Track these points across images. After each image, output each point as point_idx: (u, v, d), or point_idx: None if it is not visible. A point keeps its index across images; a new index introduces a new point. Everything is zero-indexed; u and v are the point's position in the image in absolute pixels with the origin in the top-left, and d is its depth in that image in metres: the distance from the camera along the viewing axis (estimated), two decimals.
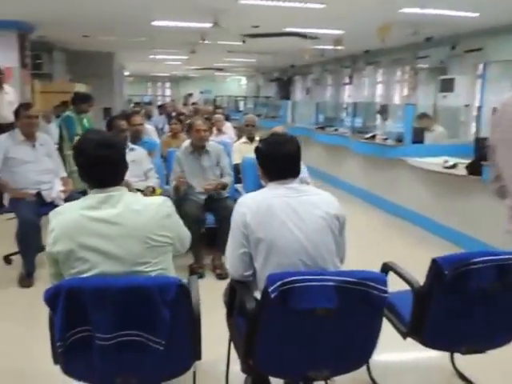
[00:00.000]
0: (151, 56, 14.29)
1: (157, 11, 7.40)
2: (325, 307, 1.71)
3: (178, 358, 1.84)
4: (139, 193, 2.00)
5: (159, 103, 15.61)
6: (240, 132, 6.64)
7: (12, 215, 3.76)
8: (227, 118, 8.39)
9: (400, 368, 2.77)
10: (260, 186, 2.15)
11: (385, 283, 1.77)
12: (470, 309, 1.99)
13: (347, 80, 14.20)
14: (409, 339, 2.14)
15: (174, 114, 8.57)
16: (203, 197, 4.08)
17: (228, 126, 7.31)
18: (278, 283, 1.69)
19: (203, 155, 4.18)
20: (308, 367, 1.86)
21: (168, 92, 27.29)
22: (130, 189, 2.05)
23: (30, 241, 3.38)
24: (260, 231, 1.94)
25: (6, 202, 4.85)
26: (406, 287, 2.12)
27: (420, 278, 2.05)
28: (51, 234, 1.78)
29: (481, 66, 8.77)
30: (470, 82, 8.86)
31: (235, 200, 2.21)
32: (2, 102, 6.05)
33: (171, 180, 4.14)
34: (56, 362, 1.77)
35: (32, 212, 3.51)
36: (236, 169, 4.66)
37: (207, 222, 4.01)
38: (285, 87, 18.71)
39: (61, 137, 5.56)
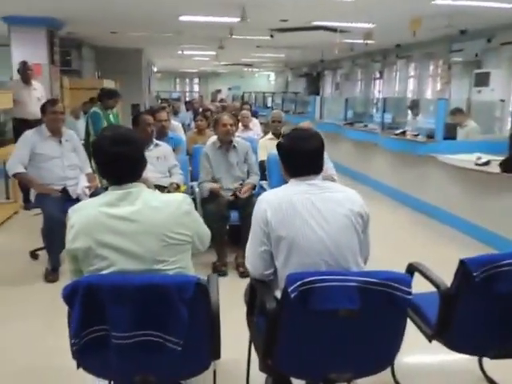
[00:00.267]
0: (179, 52, 14.37)
1: (184, 6, 7.41)
2: (346, 308, 1.66)
3: (197, 357, 1.82)
4: (157, 190, 1.97)
5: (187, 99, 15.72)
6: (266, 128, 6.59)
7: (38, 211, 3.81)
8: (254, 114, 8.36)
9: (425, 371, 2.69)
10: (285, 183, 2.11)
11: (409, 284, 1.72)
12: (499, 312, 1.91)
13: (378, 75, 13.99)
14: (434, 341, 2.08)
15: (201, 110, 8.58)
16: (229, 193, 4.04)
17: (255, 123, 7.29)
18: (298, 283, 1.66)
19: (231, 151, 4.14)
20: (329, 369, 1.82)
21: (196, 88, 27.46)
22: (148, 185, 2.03)
23: (55, 236, 3.42)
24: (281, 229, 1.90)
25: (32, 197, 4.96)
26: (433, 288, 2.05)
27: (448, 279, 1.98)
28: (71, 231, 1.77)
29: None
30: (506, 76, 8.59)
31: None
32: (30, 98, 6.17)
33: (201, 178, 4.09)
34: (74, 357, 1.77)
35: (57, 208, 3.54)
36: (261, 165, 4.62)
37: (231, 219, 3.97)
38: (314, 82, 18.57)
39: (87, 132, 5.63)
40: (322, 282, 1.66)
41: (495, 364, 2.24)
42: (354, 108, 9.29)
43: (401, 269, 2.05)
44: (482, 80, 8.49)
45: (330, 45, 10.45)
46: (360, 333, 1.76)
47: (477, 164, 4.69)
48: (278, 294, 1.87)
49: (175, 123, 6.49)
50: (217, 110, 8.78)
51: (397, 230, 5.39)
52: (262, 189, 4.47)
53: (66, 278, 1.86)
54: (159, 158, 4.08)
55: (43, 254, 3.89)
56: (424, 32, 8.15)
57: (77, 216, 1.78)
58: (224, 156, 4.12)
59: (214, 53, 13.79)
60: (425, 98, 10.77)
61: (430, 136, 5.76)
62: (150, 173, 3.80)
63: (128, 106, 11.27)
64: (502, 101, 8.27)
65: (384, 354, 1.88)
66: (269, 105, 15.76)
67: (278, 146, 2.13)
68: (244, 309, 2.21)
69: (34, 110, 5.57)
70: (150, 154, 3.99)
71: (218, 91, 22.34)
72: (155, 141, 4.16)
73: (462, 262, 1.89)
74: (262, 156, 4.80)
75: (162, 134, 4.62)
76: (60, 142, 3.95)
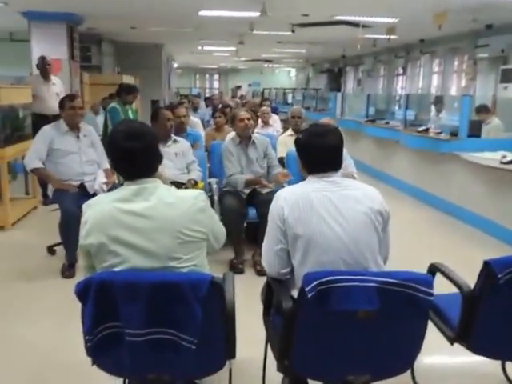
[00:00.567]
0: (199, 47, 14.39)
1: (203, 1, 7.37)
2: (365, 309, 1.62)
3: (211, 356, 1.79)
4: (173, 186, 1.94)
5: (206, 95, 15.73)
6: (286, 124, 6.54)
7: (56, 206, 3.81)
8: (274, 111, 8.30)
9: (445, 373, 2.63)
10: (304, 180, 2.06)
11: (431, 285, 1.67)
12: None
13: (401, 71, 13.80)
14: (455, 344, 2.02)
15: (220, 106, 8.56)
16: (247, 190, 4.00)
17: (275, 119, 7.25)
18: (315, 283, 1.62)
19: (250, 147, 4.09)
20: (347, 370, 1.79)
21: (216, 84, 27.51)
22: (163, 181, 2.01)
23: (71, 232, 3.41)
24: (298, 227, 1.86)
25: (50, 193, 4.99)
26: (456, 290, 1.99)
27: (471, 280, 1.93)
28: (84, 226, 1.76)
29: None
30: None
31: None
32: (49, 93, 6.20)
33: (229, 170, 3.99)
34: (88, 354, 1.75)
35: (74, 204, 3.53)
36: (281, 162, 4.57)
37: (249, 216, 3.93)
38: (335, 79, 18.43)
39: (105, 128, 5.63)
40: (340, 281, 1.62)
41: None
42: (375, 105, 9.19)
43: (422, 269, 2.00)
44: (509, 76, 8.30)
45: (352, 40, 10.35)
46: (379, 334, 1.72)
47: (502, 162, 4.59)
48: (295, 293, 1.84)
49: (194, 119, 6.48)
50: (236, 106, 8.75)
51: (418, 229, 5.31)
52: (282, 186, 4.42)
53: (82, 275, 1.86)
54: (177, 154, 4.05)
55: (60, 250, 3.91)
56: (449, 26, 7.99)
57: (90, 211, 1.76)
58: (244, 152, 4.07)
59: (233, 48, 13.78)
60: (449, 95, 10.59)
61: (454, 133, 5.64)
62: (168, 169, 3.79)
63: (148, 101, 11.33)
64: None
65: (403, 357, 1.84)
66: (289, 101, 15.67)
67: (296, 142, 2.09)
68: (261, 307, 2.18)
69: (52, 105, 5.60)
70: (169, 149, 3.98)
71: (238, 87, 22.34)
72: (173, 136, 4.12)
73: (486, 263, 1.84)
74: (282, 152, 4.75)
75: (181, 130, 4.60)
76: (78, 137, 3.95)
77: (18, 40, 10.34)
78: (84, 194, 3.74)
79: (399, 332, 1.74)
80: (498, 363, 2.44)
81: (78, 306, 1.68)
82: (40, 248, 4.15)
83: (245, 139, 4.08)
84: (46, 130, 3.90)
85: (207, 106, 10.67)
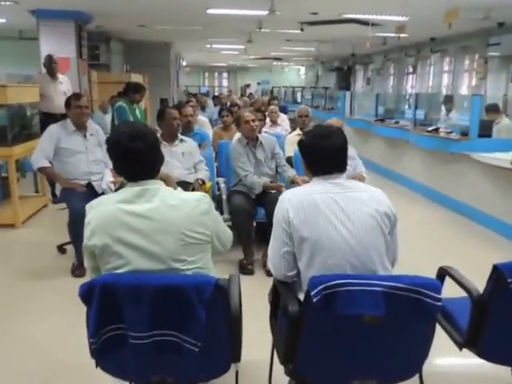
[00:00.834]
0: (207, 45, 14.39)
1: None
2: (371, 314, 1.59)
3: (215, 359, 1.77)
4: (179, 187, 1.93)
5: (215, 94, 15.70)
6: (294, 124, 6.50)
7: (64, 205, 3.82)
8: (282, 110, 8.26)
9: (453, 379, 2.59)
10: None
11: (439, 290, 1.63)
12: None
13: (411, 69, 13.68)
14: (464, 349, 1.99)
15: (228, 104, 8.54)
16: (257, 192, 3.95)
17: (283, 118, 7.20)
18: (321, 286, 1.60)
19: (258, 147, 4.02)
20: (353, 375, 1.76)
21: (225, 83, 27.48)
22: (170, 182, 1.99)
23: (80, 231, 3.36)
24: (303, 229, 1.83)
25: (58, 191, 5.00)
26: (465, 293, 1.95)
27: (482, 283, 1.89)
28: (88, 227, 1.76)
29: None
30: None
31: None
32: (56, 92, 6.20)
33: (244, 170, 3.89)
34: (93, 356, 1.75)
35: (82, 203, 3.48)
36: (288, 161, 4.53)
37: (258, 216, 3.89)
38: (345, 77, 18.34)
39: (113, 126, 5.62)
40: (346, 285, 1.60)
41: None
42: (385, 104, 9.12)
43: (431, 272, 1.97)
44: None
45: (362, 38, 10.27)
46: (385, 339, 1.69)
47: None
48: (302, 296, 1.82)
49: (202, 118, 6.47)
50: (245, 104, 8.72)
51: (428, 230, 5.25)
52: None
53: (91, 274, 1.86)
54: (184, 153, 4.00)
55: (70, 248, 3.91)
56: (460, 25, 7.90)
57: (94, 212, 1.76)
58: (252, 153, 4.00)
59: (242, 46, 13.75)
60: (459, 94, 10.49)
61: (464, 133, 5.58)
62: (176, 169, 3.76)
63: (156, 99, 11.34)
64: None
65: (410, 362, 1.81)
66: (298, 100, 15.60)
67: (300, 143, 2.06)
68: (269, 308, 2.16)
69: (60, 104, 5.55)
70: (176, 149, 3.95)
71: (248, 86, 22.30)
72: (180, 136, 4.08)
73: (495, 267, 1.80)
74: (290, 152, 4.72)
75: (188, 130, 4.58)
76: (85, 136, 3.95)
77: (28, 38, 10.36)
78: (92, 193, 3.73)
79: (406, 337, 1.71)
80: (507, 369, 2.40)
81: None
82: (50, 246, 4.15)
83: (252, 140, 4.01)
84: (53, 128, 3.89)
85: (215, 105, 10.65)
